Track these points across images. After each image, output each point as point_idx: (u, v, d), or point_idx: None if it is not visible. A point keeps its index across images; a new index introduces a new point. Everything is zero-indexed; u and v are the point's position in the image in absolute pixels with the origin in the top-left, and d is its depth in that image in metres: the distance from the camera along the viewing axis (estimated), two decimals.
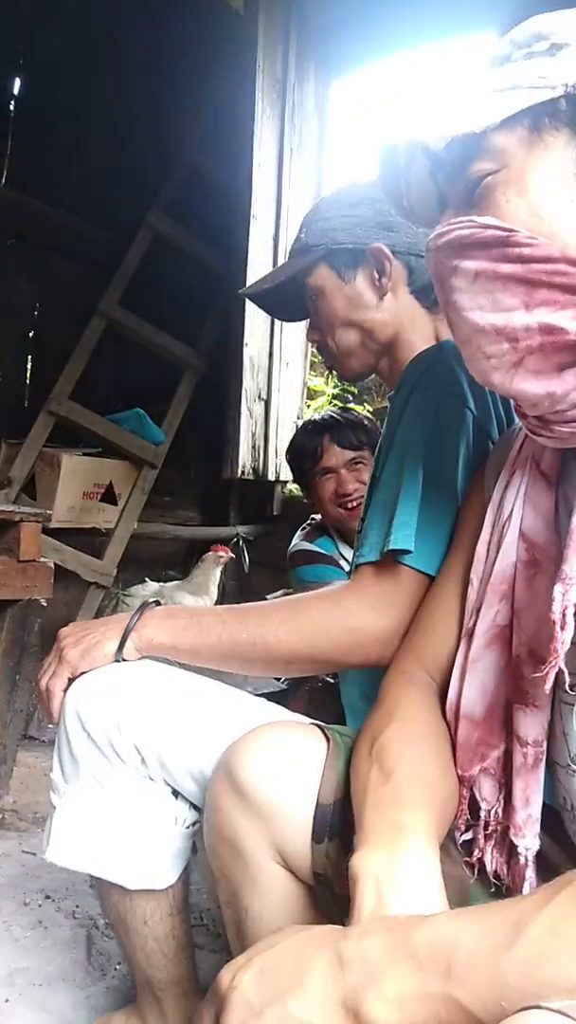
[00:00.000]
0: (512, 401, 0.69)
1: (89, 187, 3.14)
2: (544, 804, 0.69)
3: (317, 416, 1.93)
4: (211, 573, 2.42)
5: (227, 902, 0.80)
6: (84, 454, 2.69)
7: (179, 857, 0.95)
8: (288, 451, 1.94)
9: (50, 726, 2.19)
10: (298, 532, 1.99)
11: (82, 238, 3.06)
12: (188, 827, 0.96)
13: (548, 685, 0.60)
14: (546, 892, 0.46)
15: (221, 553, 2.41)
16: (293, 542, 1.98)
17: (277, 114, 2.72)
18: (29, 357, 3.27)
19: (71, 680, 0.94)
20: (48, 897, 1.45)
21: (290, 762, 0.74)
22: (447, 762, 0.71)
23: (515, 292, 0.61)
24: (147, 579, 2.66)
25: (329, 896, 0.73)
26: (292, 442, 1.92)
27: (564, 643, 0.57)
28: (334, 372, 1.20)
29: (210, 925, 1.40)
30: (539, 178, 0.62)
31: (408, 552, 0.86)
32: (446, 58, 2.59)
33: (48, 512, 1.95)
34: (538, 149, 0.62)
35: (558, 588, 0.59)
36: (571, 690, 0.65)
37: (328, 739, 0.77)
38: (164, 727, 0.90)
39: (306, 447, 1.84)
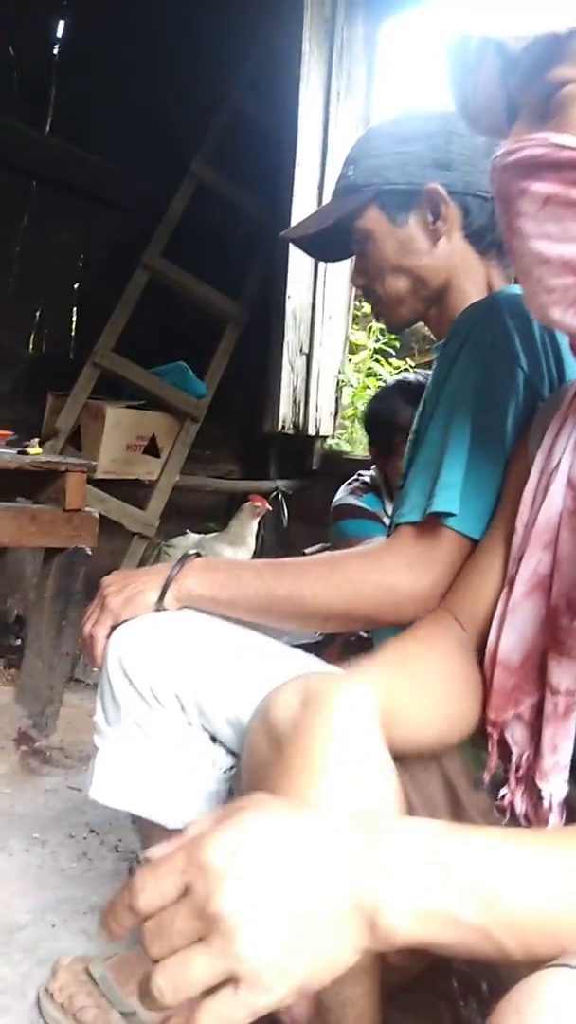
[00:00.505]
0: (564, 355, 0.66)
1: (132, 135, 3.10)
2: None
3: (410, 377, 1.84)
4: (248, 524, 2.44)
5: None
6: (128, 406, 2.71)
7: (216, 799, 0.99)
8: (378, 414, 1.84)
9: (94, 670, 2.26)
10: (344, 487, 1.98)
11: (125, 187, 3.03)
12: (225, 771, 0.99)
13: None
14: (521, 867, 0.43)
15: (258, 504, 2.43)
16: (338, 495, 1.97)
17: (324, 56, 2.63)
18: (74, 309, 3.29)
19: (113, 627, 0.97)
20: (93, 831, 1.52)
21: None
22: (458, 673, 0.73)
23: None
24: (188, 531, 2.70)
25: None
26: (384, 405, 1.82)
27: None
28: (379, 320, 1.14)
29: None
30: None
31: (452, 515, 0.85)
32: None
33: (93, 463, 1.99)
34: None
35: None
36: None
37: None
38: (203, 675, 0.93)
39: (403, 414, 1.72)
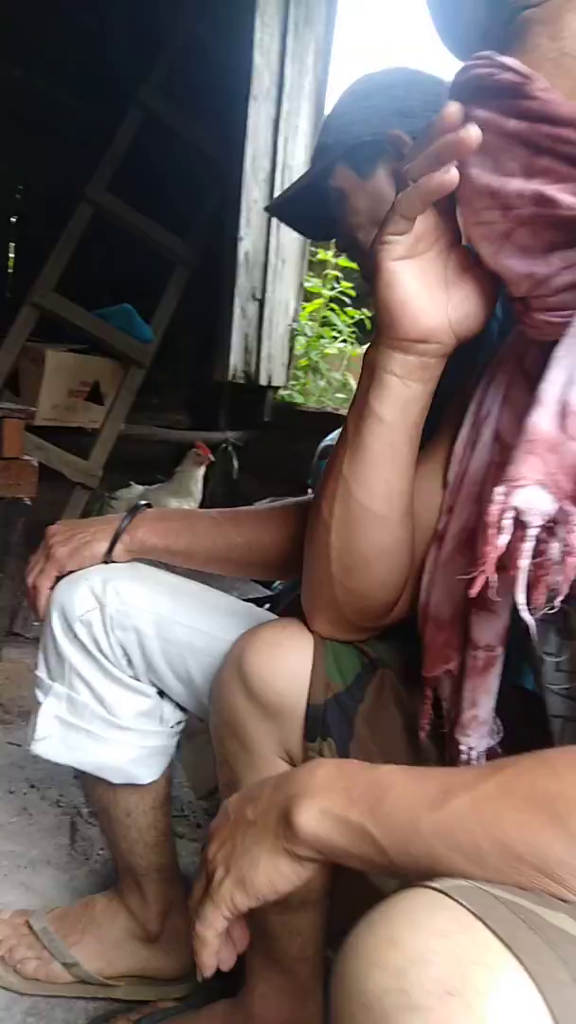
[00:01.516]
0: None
1: (77, 58, 2.91)
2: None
3: None
4: (193, 474, 2.38)
5: (226, 784, 0.83)
6: (70, 350, 2.60)
7: (163, 755, 0.97)
8: None
9: (35, 623, 2.21)
10: (337, 432, 1.94)
11: (69, 114, 2.86)
12: (173, 726, 0.96)
13: (521, 596, 0.55)
14: (482, 772, 0.49)
15: (201, 452, 2.37)
16: (328, 437, 1.94)
17: None
18: (11, 245, 3.12)
19: (58, 578, 0.93)
20: (33, 786, 1.48)
21: (298, 662, 0.76)
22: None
23: (516, 155, 0.55)
24: (132, 482, 2.62)
25: None
26: None
27: (497, 548, 0.54)
28: (368, 281, 1.12)
29: (191, 816, 1.44)
30: (574, 23, 0.54)
31: None
32: None
33: (32, 409, 1.90)
34: None
35: (499, 489, 0.54)
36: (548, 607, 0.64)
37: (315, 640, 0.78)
38: (150, 627, 0.89)
39: None
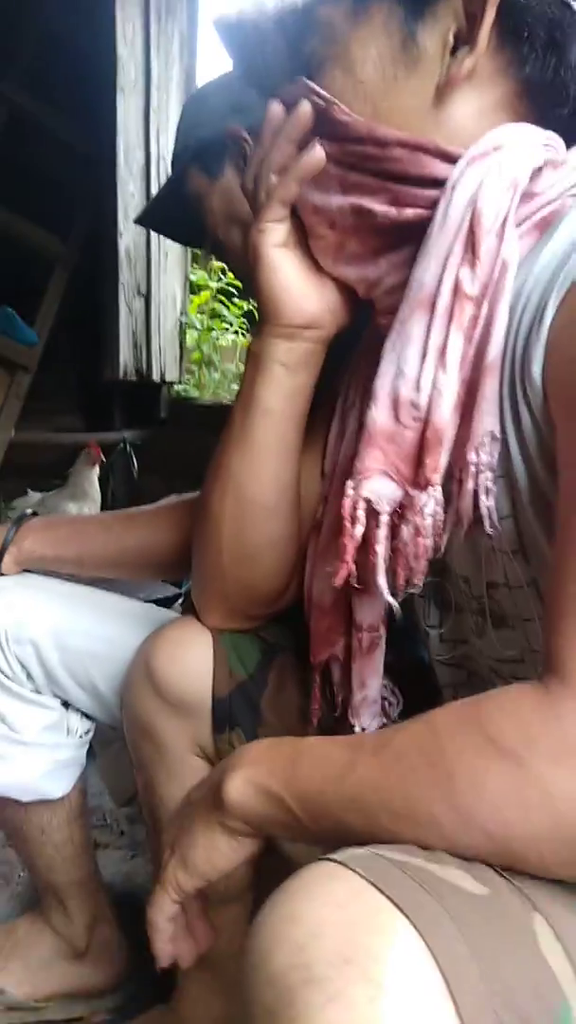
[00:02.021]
0: None
1: None
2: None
3: None
4: (87, 474, 2.32)
5: (143, 788, 0.83)
6: None
7: (73, 766, 0.95)
8: None
9: None
10: None
11: None
12: (80, 736, 0.94)
13: (382, 579, 0.59)
14: (381, 738, 0.51)
15: (92, 451, 2.32)
16: None
17: None
18: None
19: None
20: None
21: (201, 657, 0.76)
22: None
23: (332, 173, 0.60)
24: (29, 490, 2.54)
25: None
26: None
27: (354, 538, 0.57)
28: (238, 277, 1.13)
29: (113, 825, 1.42)
30: (364, 54, 0.59)
31: None
32: None
33: None
34: (362, 22, 0.59)
35: (349, 483, 0.57)
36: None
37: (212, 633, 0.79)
38: (48, 638, 0.87)
39: None
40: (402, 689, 0.74)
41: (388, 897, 0.39)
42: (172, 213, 1.08)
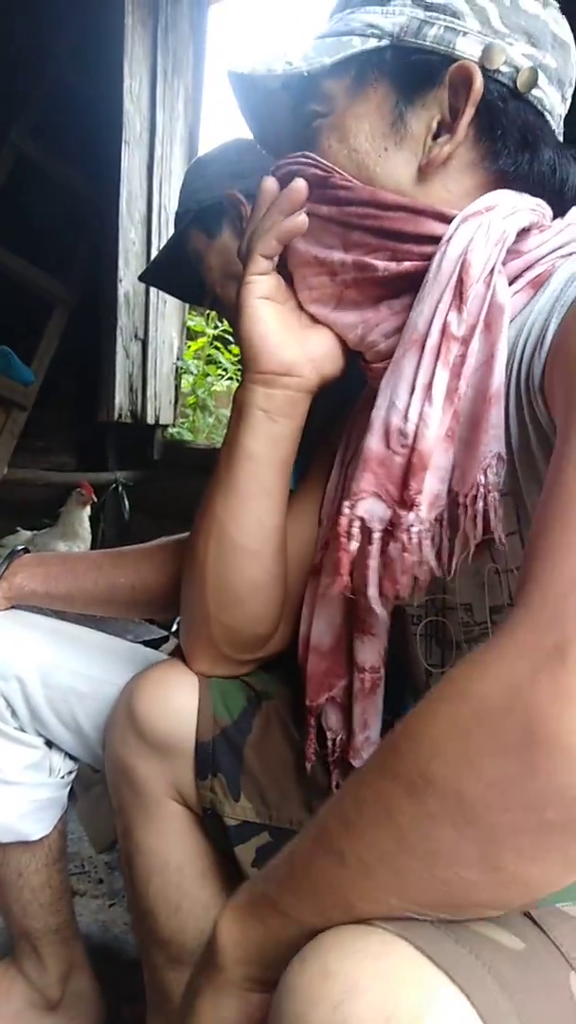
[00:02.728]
0: None
1: None
2: None
3: None
4: (78, 514, 2.33)
5: (122, 834, 0.81)
6: None
7: (53, 807, 0.93)
8: None
9: None
10: None
11: None
12: (63, 777, 0.93)
13: (381, 613, 0.63)
14: (345, 789, 0.46)
15: (83, 491, 2.32)
16: None
17: (149, 33, 2.54)
18: None
19: None
20: None
21: (185, 700, 0.76)
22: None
23: (333, 232, 0.66)
24: (19, 528, 2.53)
25: (220, 828, 0.76)
26: None
27: (349, 552, 0.61)
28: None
29: (91, 872, 1.39)
30: (358, 127, 0.65)
31: None
32: None
33: None
34: (359, 99, 0.65)
35: (346, 503, 0.62)
36: (413, 619, 0.71)
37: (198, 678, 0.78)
38: (34, 675, 0.87)
39: None
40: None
41: (422, 951, 0.38)
42: (173, 271, 1.14)
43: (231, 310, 1.10)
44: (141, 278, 1.31)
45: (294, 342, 0.70)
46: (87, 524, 2.35)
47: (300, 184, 0.66)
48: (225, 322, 2.82)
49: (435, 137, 0.64)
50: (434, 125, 0.64)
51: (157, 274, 1.21)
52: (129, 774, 0.78)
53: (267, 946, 0.46)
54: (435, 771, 0.38)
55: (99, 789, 1.21)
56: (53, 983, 0.98)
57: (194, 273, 1.10)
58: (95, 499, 2.41)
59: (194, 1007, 0.49)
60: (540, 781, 0.35)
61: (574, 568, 0.38)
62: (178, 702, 0.76)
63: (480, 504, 0.57)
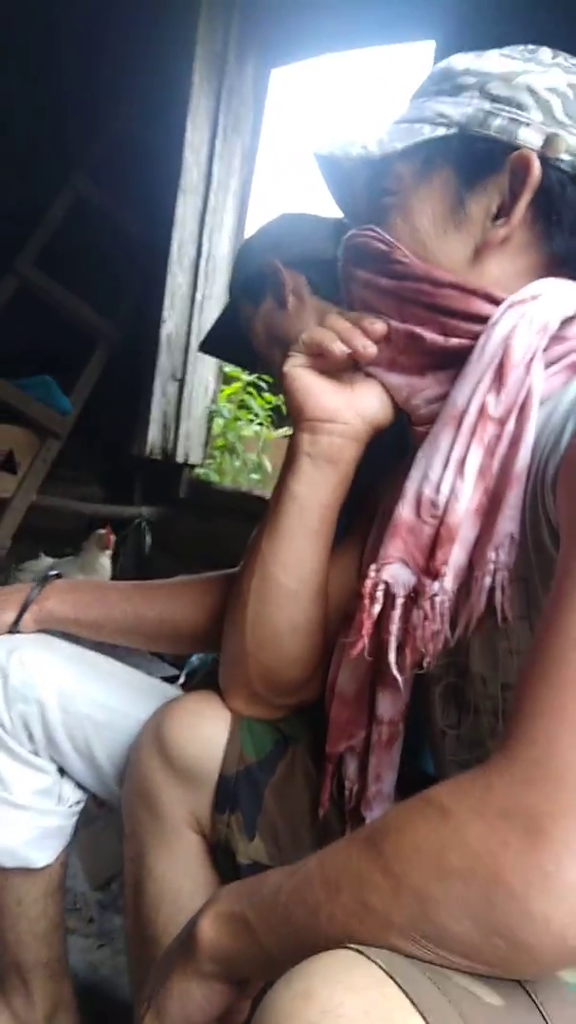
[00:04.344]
0: None
1: (12, 138, 2.99)
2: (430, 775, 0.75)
3: None
4: (95, 554, 2.35)
5: (132, 859, 0.82)
6: None
7: (60, 837, 0.93)
8: None
9: None
10: None
11: (1, 189, 2.91)
12: (71, 806, 0.93)
13: (396, 666, 0.64)
14: (333, 844, 0.51)
15: (103, 534, 2.35)
16: None
17: (213, 92, 2.66)
18: None
19: None
20: None
21: (215, 731, 0.78)
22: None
23: (389, 304, 0.71)
24: (42, 554, 2.56)
25: (230, 865, 0.77)
26: None
27: (371, 616, 0.63)
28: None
29: (83, 910, 1.37)
30: (421, 208, 0.70)
31: None
32: (386, 62, 2.61)
33: None
34: (425, 182, 0.70)
35: (372, 567, 0.64)
36: (433, 679, 0.71)
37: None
38: (53, 699, 0.87)
39: None
40: (402, 796, 0.74)
41: (405, 992, 0.39)
42: (227, 341, 1.22)
43: (277, 371, 1.15)
44: (201, 348, 1.39)
45: (336, 391, 0.74)
46: (106, 563, 2.37)
47: (380, 327, 0.70)
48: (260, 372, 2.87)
49: (493, 219, 0.68)
50: (493, 208, 0.68)
51: (213, 343, 1.29)
52: (151, 798, 0.78)
53: (238, 958, 0.51)
54: (410, 872, 0.42)
55: (99, 824, 1.20)
56: (39, 1020, 0.96)
57: (245, 340, 1.16)
58: (115, 542, 2.43)
59: (166, 984, 0.54)
60: (499, 927, 0.39)
61: (564, 723, 0.42)
62: (208, 732, 0.77)
63: (487, 580, 0.60)
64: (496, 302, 0.65)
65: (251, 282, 1.11)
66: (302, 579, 0.74)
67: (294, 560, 0.74)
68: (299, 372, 0.74)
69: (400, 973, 0.40)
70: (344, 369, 0.74)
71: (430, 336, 0.68)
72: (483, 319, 0.65)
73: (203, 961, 0.52)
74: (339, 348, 0.71)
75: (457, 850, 0.41)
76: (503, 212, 0.67)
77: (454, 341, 0.67)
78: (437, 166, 0.69)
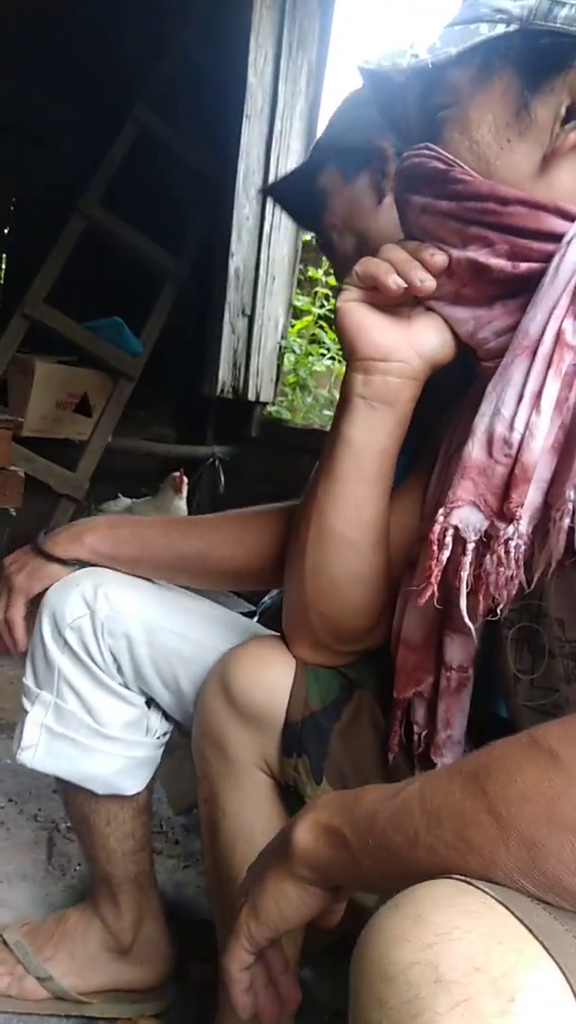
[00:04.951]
0: None
1: (72, 74, 2.94)
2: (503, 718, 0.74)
3: None
4: (170, 495, 2.39)
5: (205, 800, 0.83)
6: (59, 362, 2.59)
7: (148, 767, 0.96)
8: None
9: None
10: None
11: (62, 127, 2.88)
12: (159, 737, 0.96)
13: (468, 613, 0.62)
14: (434, 771, 0.52)
15: (177, 477, 2.38)
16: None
17: (277, 5, 2.53)
18: (3, 256, 3.12)
19: (34, 602, 0.94)
20: (11, 800, 1.46)
21: (279, 677, 0.77)
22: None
23: (451, 229, 0.65)
24: (120, 495, 2.61)
25: (300, 805, 0.76)
26: None
27: (440, 562, 0.60)
28: (339, 283, 1.15)
29: (169, 833, 1.43)
30: (481, 118, 0.64)
31: None
32: None
33: (19, 420, 1.90)
34: (483, 89, 0.64)
35: (440, 511, 0.61)
36: (506, 623, 0.69)
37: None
38: (140, 634, 0.89)
39: None
40: (476, 742, 0.73)
41: (518, 917, 0.38)
42: (297, 193, 1.09)
43: (339, 259, 1.06)
44: (262, 190, 1.28)
45: (391, 327, 0.69)
46: (181, 504, 2.41)
47: (441, 259, 0.65)
48: (332, 302, 2.80)
49: (563, 123, 0.62)
50: (562, 111, 0.62)
51: (281, 191, 1.17)
52: (219, 741, 0.79)
53: (333, 869, 0.52)
54: (518, 817, 0.41)
55: (182, 753, 1.23)
56: (126, 928, 1.01)
57: (317, 203, 1.05)
58: (188, 484, 2.47)
59: (262, 883, 0.55)
60: None
61: None
62: (272, 677, 0.77)
63: (566, 521, 0.55)
64: (570, 217, 0.60)
65: (350, 154, 0.98)
66: (361, 527, 0.72)
67: (351, 508, 0.72)
68: (351, 307, 0.70)
69: (511, 901, 0.40)
70: (401, 303, 0.69)
71: (497, 264, 0.63)
72: (556, 237, 0.60)
73: (298, 866, 0.53)
74: (394, 281, 0.65)
75: (570, 801, 0.40)
76: (573, 114, 0.61)
77: (523, 266, 0.62)
78: (496, 69, 0.63)
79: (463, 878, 0.41)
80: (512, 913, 0.39)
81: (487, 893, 0.40)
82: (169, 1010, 1.04)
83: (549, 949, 0.37)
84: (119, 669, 0.90)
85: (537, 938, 0.37)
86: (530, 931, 0.38)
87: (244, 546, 0.88)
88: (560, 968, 0.36)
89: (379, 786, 0.53)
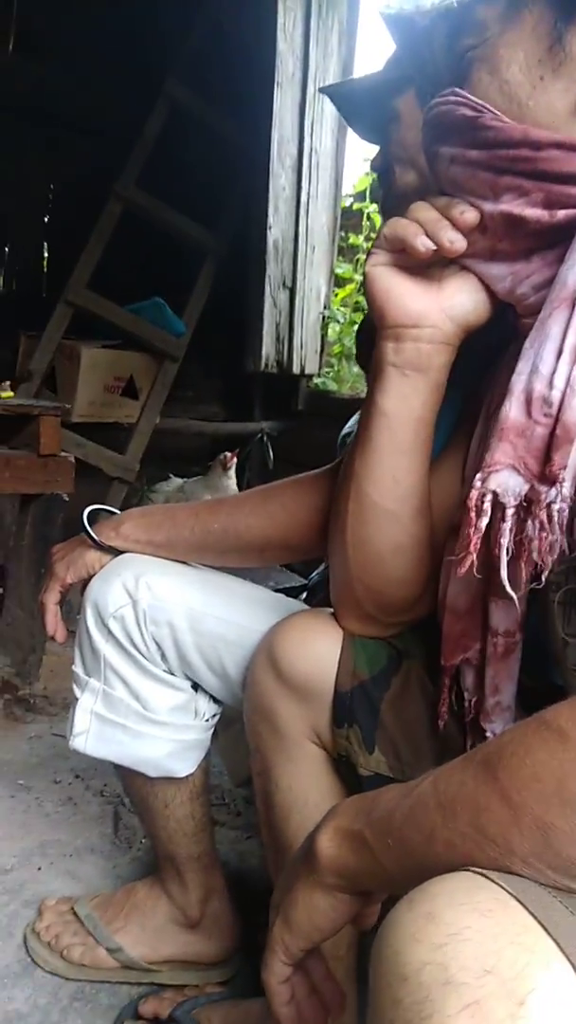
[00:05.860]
0: None
1: (100, 53, 2.92)
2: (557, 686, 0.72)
3: None
4: (220, 475, 2.42)
5: (259, 773, 0.84)
6: (104, 346, 2.62)
7: (198, 749, 0.98)
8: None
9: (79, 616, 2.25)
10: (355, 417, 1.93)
11: (94, 109, 2.87)
12: (207, 720, 0.97)
13: (510, 580, 0.59)
14: (447, 764, 0.50)
15: (227, 457, 2.40)
16: (349, 424, 1.93)
17: None
18: (44, 244, 3.15)
19: (83, 585, 0.96)
20: (78, 776, 1.51)
21: (326, 649, 0.77)
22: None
23: (482, 179, 0.61)
24: (171, 475, 2.64)
25: (352, 776, 0.78)
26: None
27: (478, 529, 0.57)
28: (384, 217, 1.07)
29: (231, 804, 1.46)
30: (511, 56, 0.60)
31: None
32: None
33: (67, 406, 1.93)
34: (513, 24, 0.60)
35: (478, 475, 0.58)
36: (552, 587, 0.66)
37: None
38: (183, 621, 0.90)
39: None
40: (528, 710, 0.72)
41: (533, 914, 0.38)
42: (357, 103, 1.02)
43: (395, 191, 0.97)
44: (324, 89, 1.17)
45: (422, 293, 0.67)
46: (229, 483, 2.44)
47: (471, 216, 0.62)
48: None
49: None
50: None
51: (340, 94, 1.09)
52: (269, 714, 0.80)
53: (358, 874, 0.52)
54: (529, 799, 0.41)
55: (238, 727, 1.25)
56: (193, 904, 1.04)
57: (377, 115, 0.98)
58: (234, 466, 2.49)
59: (292, 895, 0.55)
60: None
61: None
62: (320, 649, 0.77)
63: None
64: None
65: (435, 86, 0.94)
66: (400, 498, 0.70)
67: (389, 480, 0.70)
68: (379, 272, 0.67)
69: (526, 896, 0.39)
70: (433, 264, 0.66)
71: (533, 214, 0.59)
72: None
73: (325, 874, 0.53)
74: (423, 243, 0.62)
75: None
76: None
77: (561, 214, 0.57)
78: (527, 2, 0.59)
79: (479, 871, 0.41)
80: (526, 909, 0.38)
81: (502, 887, 0.39)
82: (235, 978, 1.07)
83: (563, 947, 0.36)
84: (163, 656, 0.91)
85: (551, 935, 0.37)
86: (544, 928, 0.37)
87: (269, 517, 0.88)
88: (574, 967, 0.36)
89: (395, 785, 0.53)
